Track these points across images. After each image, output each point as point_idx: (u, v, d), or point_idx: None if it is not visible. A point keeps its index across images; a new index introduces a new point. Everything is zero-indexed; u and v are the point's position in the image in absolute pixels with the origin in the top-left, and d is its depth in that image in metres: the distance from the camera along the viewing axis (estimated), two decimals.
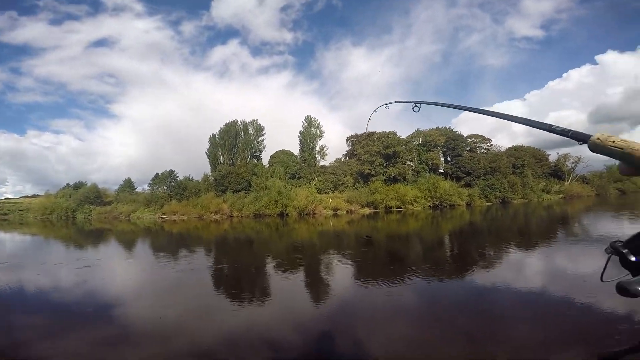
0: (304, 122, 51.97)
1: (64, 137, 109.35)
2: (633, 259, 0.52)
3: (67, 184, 51.43)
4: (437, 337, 3.74)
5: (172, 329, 4.45)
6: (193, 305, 5.76)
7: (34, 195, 60.80)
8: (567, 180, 48.83)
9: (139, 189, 51.12)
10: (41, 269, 9.62)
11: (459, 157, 48.02)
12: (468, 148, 49.92)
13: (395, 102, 1.32)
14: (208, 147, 52.85)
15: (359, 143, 48.43)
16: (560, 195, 45.11)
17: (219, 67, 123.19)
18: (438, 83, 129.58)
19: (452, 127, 51.12)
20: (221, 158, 51.85)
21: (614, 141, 0.51)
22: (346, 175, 46.58)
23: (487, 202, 43.26)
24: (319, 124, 51.80)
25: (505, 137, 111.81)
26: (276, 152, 50.93)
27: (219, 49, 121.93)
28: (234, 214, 39.02)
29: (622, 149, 0.49)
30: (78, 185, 49.50)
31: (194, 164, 75.86)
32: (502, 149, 50.73)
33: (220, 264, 10.69)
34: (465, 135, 50.33)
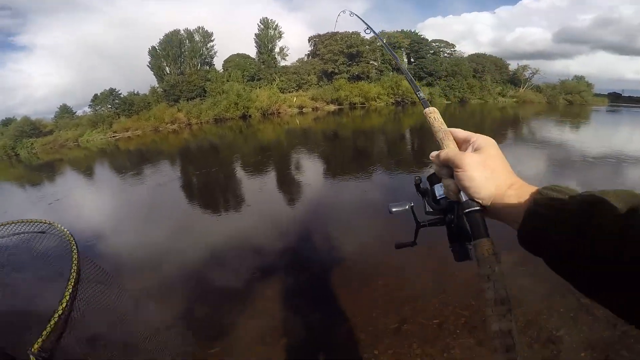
0: (260, 24, 47.36)
1: None
2: (421, 187, 0.75)
3: None
4: (399, 230, 4.15)
5: (160, 253, 4.49)
6: (173, 224, 5.81)
7: None
8: (522, 88, 51.03)
9: (79, 113, 45.75)
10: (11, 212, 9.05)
11: (422, 59, 49.00)
12: (432, 51, 50.10)
13: (357, 17, 1.37)
14: (150, 60, 46.67)
15: (321, 43, 46.09)
16: (514, 100, 47.55)
17: None
18: None
19: (417, 31, 50.40)
20: (167, 69, 46.69)
21: (430, 117, 0.69)
22: (309, 74, 44.90)
23: (446, 100, 45.25)
24: (277, 25, 47.72)
25: (470, 44, 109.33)
26: (230, 56, 46.61)
27: None
28: (192, 121, 37.11)
29: (432, 125, 0.67)
30: (6, 122, 42.83)
31: (136, 80, 68.26)
32: (465, 55, 51.63)
33: (189, 176, 10.59)
34: (430, 40, 50.17)
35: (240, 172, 9.74)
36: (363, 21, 1.25)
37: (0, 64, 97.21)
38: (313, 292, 3.24)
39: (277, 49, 47.94)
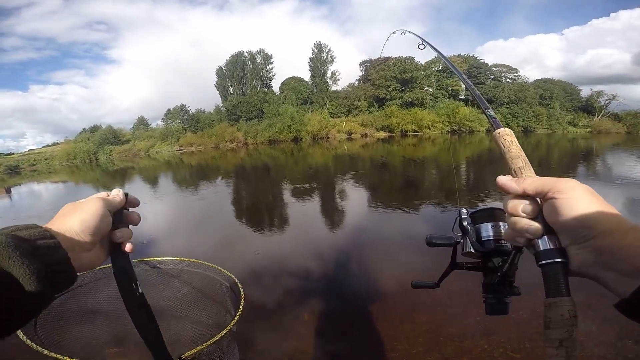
0: (314, 48, 50.27)
1: (69, 87, 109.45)
2: (465, 223, 0.66)
3: (84, 129, 52.07)
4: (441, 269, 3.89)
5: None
6: (219, 237, 6.14)
7: (55, 143, 62.19)
8: (597, 116, 46.01)
9: (153, 125, 51.76)
10: None
11: (481, 84, 46.68)
12: (492, 77, 48.12)
13: (411, 33, 1.25)
14: (216, 79, 51.58)
15: (373, 68, 46.51)
16: (588, 130, 42.72)
17: None
18: (462, 10, 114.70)
19: (475, 55, 49.35)
20: (231, 89, 51.10)
21: (504, 140, 0.58)
22: (360, 99, 45.42)
23: None
24: (329, 50, 50.16)
25: (535, 69, 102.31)
26: (286, 79, 49.63)
27: None
28: (249, 141, 39.71)
29: (507, 151, 0.57)
30: (94, 129, 50.25)
31: (204, 97, 75.70)
32: (530, 80, 48.90)
33: (240, 193, 11.19)
34: (489, 64, 48.44)
35: (287, 195, 10.01)
36: (417, 36, 1.16)
37: (94, 76, 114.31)
38: (349, 321, 3.10)
39: (329, 73, 49.80)
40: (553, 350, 0.39)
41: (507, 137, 0.58)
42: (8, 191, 19.34)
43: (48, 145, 62.65)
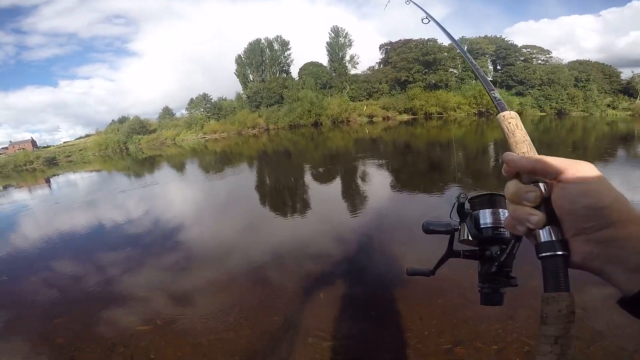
0: (330, 32, 49.22)
1: (95, 81, 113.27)
2: (466, 207, 0.63)
3: (113, 120, 54.02)
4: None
5: (227, 249, 4.83)
6: (243, 222, 6.29)
7: (87, 135, 65.02)
8: None
9: (177, 115, 53.04)
10: (114, 198, 10.96)
11: (510, 66, 44.41)
12: (522, 58, 45.59)
13: (414, 3, 1.12)
14: (236, 67, 51.81)
15: (394, 50, 45.05)
16: (629, 113, 38.99)
17: None
18: None
19: (504, 37, 46.76)
20: (250, 76, 51.28)
21: (509, 124, 0.53)
22: (381, 82, 44.31)
23: (540, 112, 39.86)
24: (346, 34, 49.07)
25: (570, 51, 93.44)
26: (305, 64, 49.10)
27: None
28: (270, 126, 40.16)
29: (512, 134, 0.52)
30: (122, 120, 52.08)
31: (225, 86, 76.15)
32: (564, 62, 45.87)
33: (263, 178, 11.39)
34: (519, 46, 46.00)
35: (308, 178, 10.08)
36: (421, 7, 1.03)
37: (117, 69, 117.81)
38: (365, 303, 3.15)
39: (347, 57, 48.78)
40: (547, 347, 0.38)
41: (512, 121, 0.53)
42: (47, 181, 20.73)
43: (81, 137, 65.83)
